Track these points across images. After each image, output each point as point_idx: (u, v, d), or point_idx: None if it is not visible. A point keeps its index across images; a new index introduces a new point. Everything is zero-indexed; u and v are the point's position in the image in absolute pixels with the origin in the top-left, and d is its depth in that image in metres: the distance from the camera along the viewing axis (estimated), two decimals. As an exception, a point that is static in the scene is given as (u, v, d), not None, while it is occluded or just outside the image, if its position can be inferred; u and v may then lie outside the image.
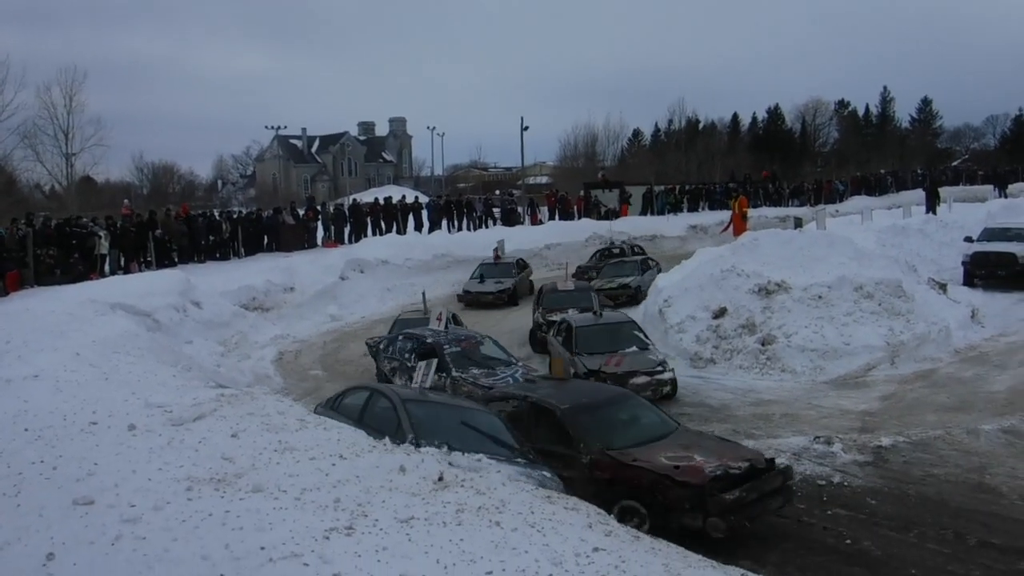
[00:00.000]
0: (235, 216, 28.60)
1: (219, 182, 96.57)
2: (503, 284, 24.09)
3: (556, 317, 17.33)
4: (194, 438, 7.46)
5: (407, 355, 14.47)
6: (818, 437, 11.60)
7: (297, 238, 28.16)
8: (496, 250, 25.95)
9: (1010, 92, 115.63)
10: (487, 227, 34.14)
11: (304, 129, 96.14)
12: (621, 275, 23.81)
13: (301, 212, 29.58)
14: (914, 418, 12.61)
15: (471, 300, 23.68)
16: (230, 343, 18.65)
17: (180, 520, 5.65)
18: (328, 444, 7.68)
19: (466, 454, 8.07)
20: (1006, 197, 40.72)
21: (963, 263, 22.55)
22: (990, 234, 23.38)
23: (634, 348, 14.95)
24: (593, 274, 24.84)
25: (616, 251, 28.01)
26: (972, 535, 8.54)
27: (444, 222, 33.50)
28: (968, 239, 23.46)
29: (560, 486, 8.32)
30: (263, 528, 5.68)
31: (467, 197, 39.79)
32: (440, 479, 6.86)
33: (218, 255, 25.76)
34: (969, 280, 22.11)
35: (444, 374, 13.30)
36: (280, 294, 22.70)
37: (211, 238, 25.82)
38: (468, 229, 33.66)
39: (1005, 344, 16.86)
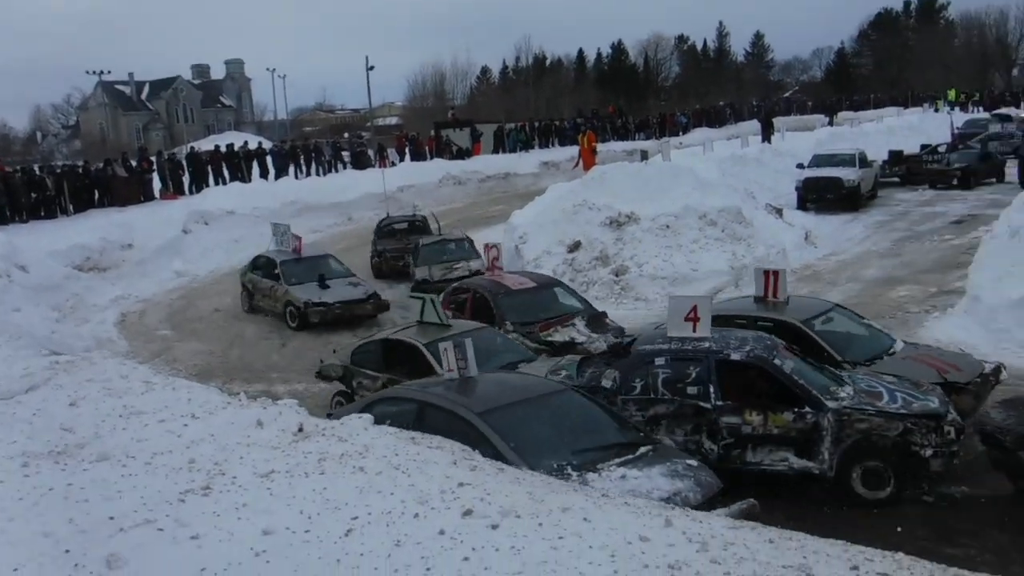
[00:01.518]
0: (59, 171, 26.69)
1: (38, 134, 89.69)
2: (362, 284, 16.59)
3: (559, 336, 11.71)
4: (27, 411, 7.00)
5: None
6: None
7: (132, 191, 26.59)
8: (293, 242, 17.46)
9: (834, 26, 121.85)
10: (337, 171, 33.34)
11: (131, 74, 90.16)
12: (459, 259, 17.44)
13: (134, 163, 27.94)
14: (757, 336, 13.28)
15: (328, 317, 15.46)
16: (65, 307, 17.51)
17: (16, 499, 5.30)
18: (178, 405, 7.37)
19: (601, 471, 6.73)
20: (833, 125, 43.02)
21: (796, 188, 23.89)
22: (819, 160, 24.80)
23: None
24: (408, 258, 18.49)
25: (411, 224, 20.51)
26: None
27: (291, 168, 32.44)
28: (800, 166, 24.79)
29: (714, 481, 7.00)
30: (111, 497, 5.41)
31: (314, 141, 38.55)
32: (300, 430, 6.70)
33: (43, 213, 24.04)
34: (802, 204, 23.47)
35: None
36: (117, 252, 21.49)
37: (33, 196, 24.03)
38: (317, 174, 32.75)
39: (835, 262, 18.02)
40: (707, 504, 6.53)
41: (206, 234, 23.51)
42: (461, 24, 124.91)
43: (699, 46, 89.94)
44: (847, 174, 23.62)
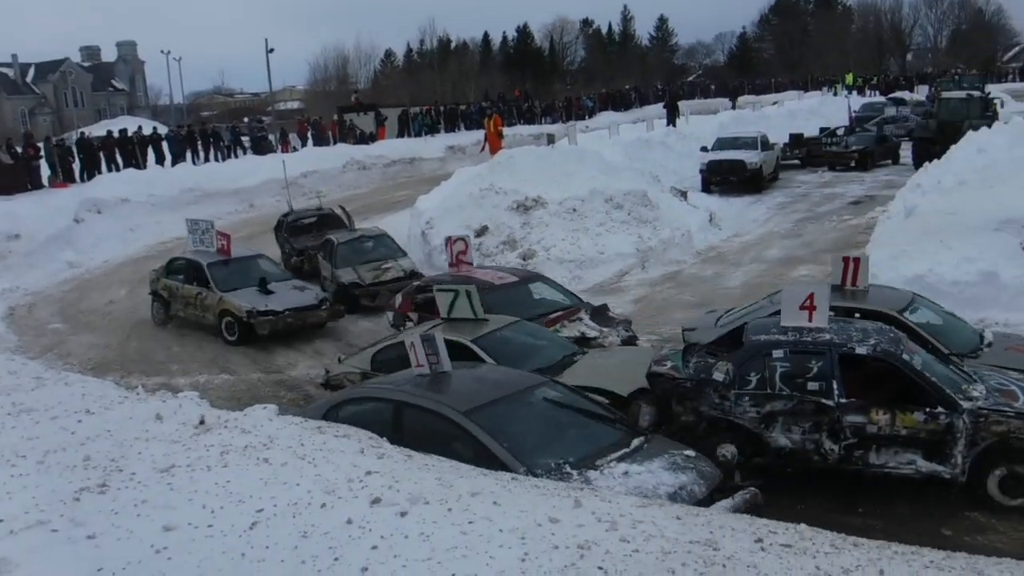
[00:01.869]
0: (-64, 158, 25.28)
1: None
2: (309, 288, 14.99)
3: (568, 332, 10.89)
4: (-94, 410, 6.65)
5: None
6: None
7: (17, 179, 25.30)
8: (219, 241, 15.30)
9: (736, 11, 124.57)
10: (236, 157, 32.47)
11: (15, 55, 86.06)
12: (384, 258, 16.08)
13: (19, 150, 26.66)
14: (664, 316, 13.60)
15: (279, 326, 13.81)
16: (-54, 302, 16.70)
17: None
18: (72, 400, 7.11)
19: (601, 469, 6.52)
20: (736, 109, 44.08)
21: (700, 171, 24.45)
22: (722, 143, 25.42)
23: None
24: (309, 256, 17.42)
25: (319, 217, 18.95)
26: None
27: (189, 154, 31.44)
28: (704, 149, 25.38)
29: (715, 472, 6.94)
30: (0, 499, 5.19)
31: (212, 126, 37.45)
32: (201, 423, 6.55)
33: (-80, 203, 22.76)
34: (706, 186, 24.04)
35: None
36: (3, 243, 20.48)
37: (-93, 184, 22.74)
38: (216, 160, 31.83)
39: (739, 244, 18.53)
40: (708, 497, 6.41)
41: (99, 223, 22.67)
42: (364, 6, 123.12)
43: (604, 30, 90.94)
44: (750, 157, 24.27)
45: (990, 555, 5.21)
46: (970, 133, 18.66)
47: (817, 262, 16.43)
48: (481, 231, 17.21)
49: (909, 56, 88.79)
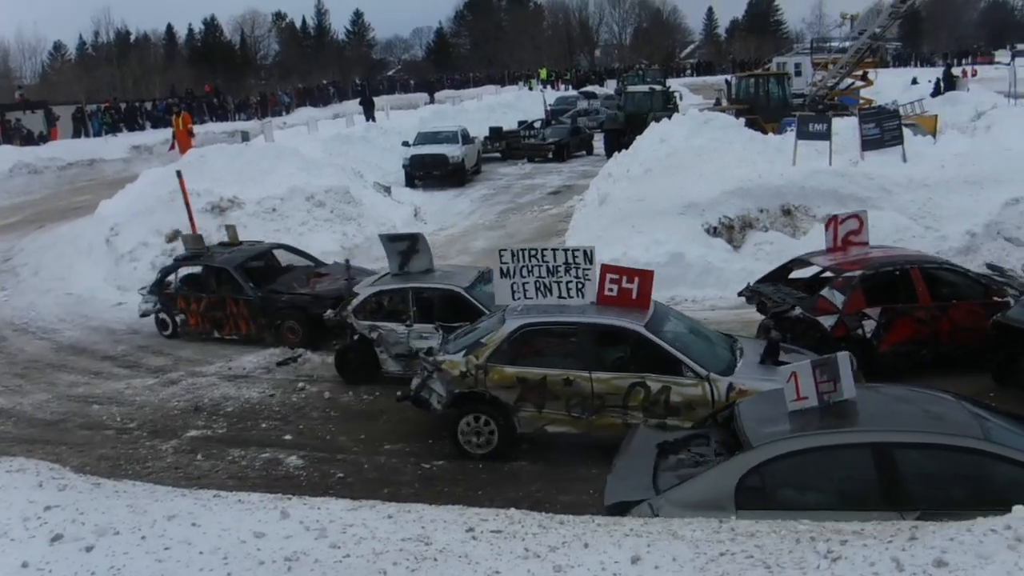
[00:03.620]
0: None
1: None
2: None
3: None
4: None
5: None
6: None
7: None
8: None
9: (432, 6, 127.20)
10: None
11: None
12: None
13: None
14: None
15: None
16: None
17: None
18: None
19: None
20: (435, 103, 45.12)
21: (404, 166, 24.80)
22: (424, 138, 25.95)
23: None
24: None
25: None
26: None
27: None
28: (406, 144, 25.75)
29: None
30: None
31: None
32: None
33: None
34: (410, 181, 24.43)
35: None
36: None
37: None
38: None
39: (445, 237, 19.00)
40: None
41: None
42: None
43: (298, 24, 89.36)
44: (451, 151, 24.96)
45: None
46: (653, 124, 20.37)
47: (521, 251, 17.23)
48: (173, 236, 16.26)
49: (598, 52, 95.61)
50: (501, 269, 8.78)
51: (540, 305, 8.71)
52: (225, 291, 12.75)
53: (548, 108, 37.03)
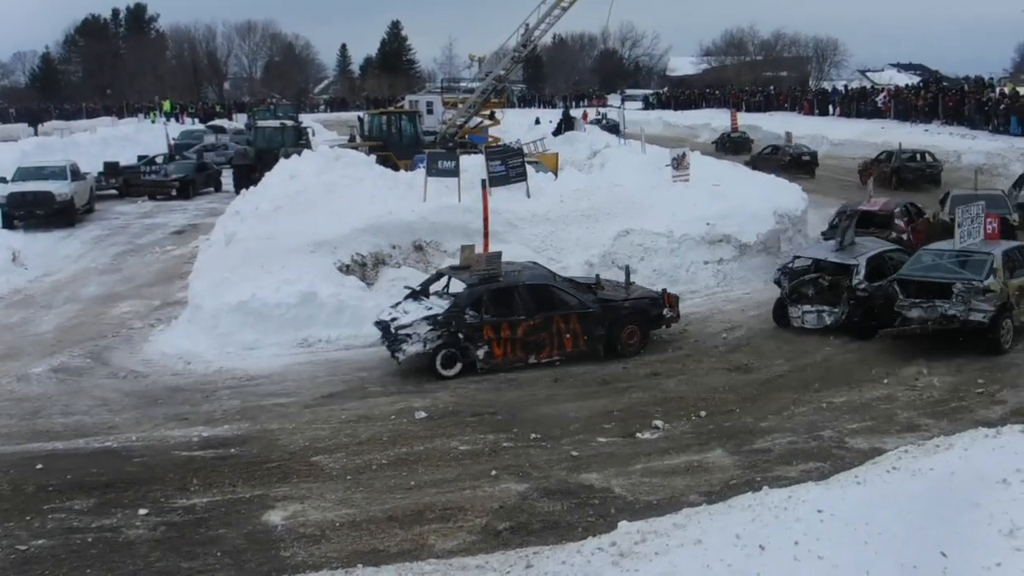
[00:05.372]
0: None
1: None
2: None
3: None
4: None
5: None
6: None
7: None
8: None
9: (36, 29, 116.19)
10: None
11: None
12: None
13: None
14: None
15: None
16: None
17: None
18: None
19: None
20: (39, 135, 41.26)
21: (-1, 205, 22.14)
22: (25, 174, 23.66)
23: None
24: None
25: None
26: (30, 482, 8.58)
27: None
28: (3, 180, 23.11)
29: None
30: None
31: None
32: None
33: None
34: (8, 222, 21.90)
35: None
36: None
37: None
38: None
39: (50, 283, 17.39)
40: None
41: None
42: None
43: None
44: (59, 188, 22.93)
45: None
46: (282, 160, 20.04)
47: (140, 296, 16.24)
48: None
49: (227, 85, 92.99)
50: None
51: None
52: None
53: (172, 142, 35.29)
